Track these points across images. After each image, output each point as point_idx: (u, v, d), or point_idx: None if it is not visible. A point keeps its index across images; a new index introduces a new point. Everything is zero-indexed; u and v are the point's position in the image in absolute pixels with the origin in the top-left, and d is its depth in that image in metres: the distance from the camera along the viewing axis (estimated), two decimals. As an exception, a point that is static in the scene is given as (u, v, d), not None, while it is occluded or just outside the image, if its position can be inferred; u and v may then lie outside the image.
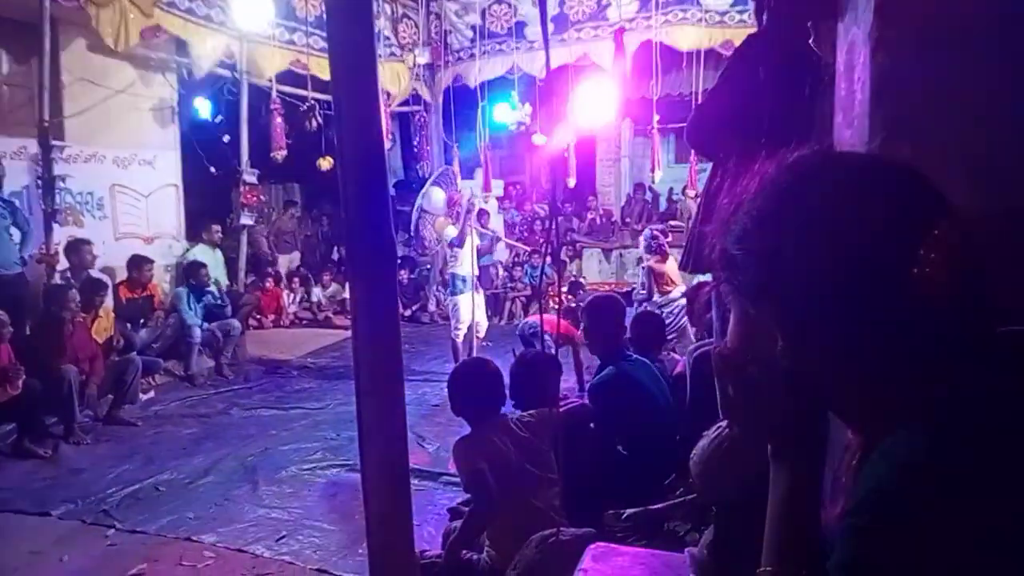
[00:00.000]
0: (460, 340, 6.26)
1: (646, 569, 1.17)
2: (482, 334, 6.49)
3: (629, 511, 1.31)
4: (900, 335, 0.61)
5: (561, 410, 2.94)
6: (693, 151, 3.24)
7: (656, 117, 7.87)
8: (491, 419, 2.60)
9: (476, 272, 6.25)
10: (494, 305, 9.06)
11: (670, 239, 6.96)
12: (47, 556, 3.37)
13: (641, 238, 6.86)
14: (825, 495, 0.74)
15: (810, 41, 2.00)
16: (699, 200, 2.44)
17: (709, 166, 2.54)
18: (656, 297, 6.37)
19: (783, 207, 0.64)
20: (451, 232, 6.23)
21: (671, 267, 6.38)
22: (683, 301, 5.65)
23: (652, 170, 8.12)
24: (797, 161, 0.67)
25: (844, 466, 0.71)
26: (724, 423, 1.13)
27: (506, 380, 2.88)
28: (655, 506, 1.26)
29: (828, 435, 0.79)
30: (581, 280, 7.78)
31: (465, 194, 7.08)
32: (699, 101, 7.26)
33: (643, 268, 6.69)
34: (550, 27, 8.30)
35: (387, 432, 1.54)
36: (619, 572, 1.16)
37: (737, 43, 7.72)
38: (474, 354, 6.32)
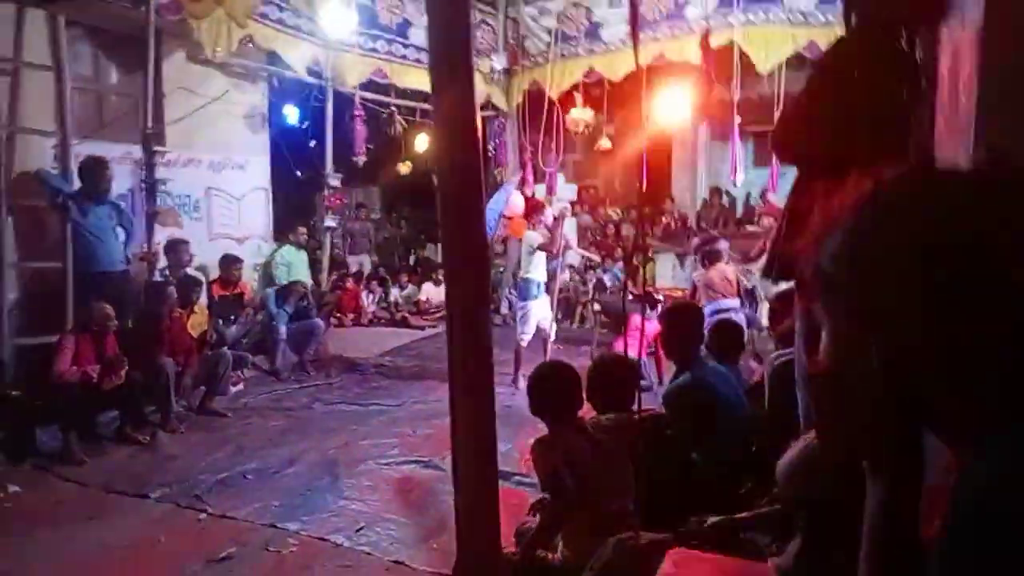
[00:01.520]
0: (524, 346, 6.28)
1: None
2: (552, 337, 6.51)
3: (713, 518, 1.31)
4: (994, 356, 0.61)
5: (640, 416, 2.94)
6: (775, 155, 3.16)
7: (737, 119, 7.69)
8: (568, 421, 2.63)
9: (546, 278, 6.30)
10: (565, 308, 9.06)
11: (725, 245, 6.63)
12: (144, 536, 3.59)
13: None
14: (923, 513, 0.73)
15: (903, 44, 1.94)
16: (785, 208, 2.39)
17: (793, 170, 2.49)
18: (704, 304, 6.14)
19: (880, 229, 0.64)
20: (533, 238, 6.25)
21: (716, 274, 6.15)
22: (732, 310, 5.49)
23: (732, 174, 7.94)
24: (896, 181, 0.67)
25: (943, 486, 0.71)
26: (811, 434, 1.12)
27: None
28: (739, 515, 1.25)
29: (924, 453, 0.78)
30: (653, 293, 7.59)
31: (555, 203, 7.06)
32: (782, 104, 7.10)
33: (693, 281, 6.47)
34: (626, 28, 8.26)
35: (478, 431, 1.59)
36: (700, 577, 1.17)
37: (821, 44, 7.45)
38: (547, 356, 6.36)
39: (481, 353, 2.03)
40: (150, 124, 6.02)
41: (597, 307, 7.97)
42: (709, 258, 6.22)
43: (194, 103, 6.88)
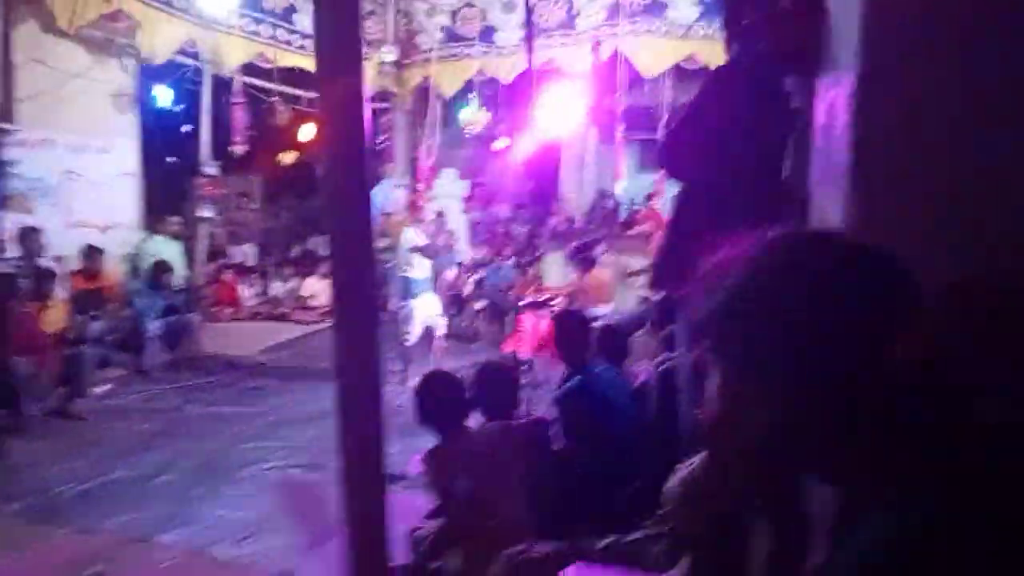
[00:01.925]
0: (409, 345, 6.25)
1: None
2: (440, 334, 6.50)
3: (605, 541, 1.37)
4: (880, 412, 0.67)
5: (521, 422, 3.00)
6: (664, 170, 3.33)
7: (621, 126, 8.00)
8: (457, 430, 2.64)
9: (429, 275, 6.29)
10: (459, 304, 9.07)
11: (600, 251, 6.81)
12: (-4, 556, 3.29)
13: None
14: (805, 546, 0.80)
15: (780, 83, 2.09)
16: (668, 222, 2.53)
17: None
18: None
19: (769, 287, 0.69)
20: (412, 237, 6.20)
21: (592, 281, 6.21)
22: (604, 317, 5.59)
23: (615, 178, 8.26)
24: (783, 241, 0.73)
25: (827, 524, 0.77)
26: (695, 460, 1.20)
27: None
28: (630, 537, 1.32)
29: (802, 495, 0.85)
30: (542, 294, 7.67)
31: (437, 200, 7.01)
32: (666, 116, 7.45)
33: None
34: (519, 33, 8.40)
35: (363, 432, 1.56)
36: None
37: (702, 56, 7.82)
38: (434, 355, 6.35)
39: (368, 352, 2.00)
40: (-3, 98, 5.46)
41: (479, 305, 8.02)
42: (583, 265, 6.33)
43: (51, 78, 6.29)
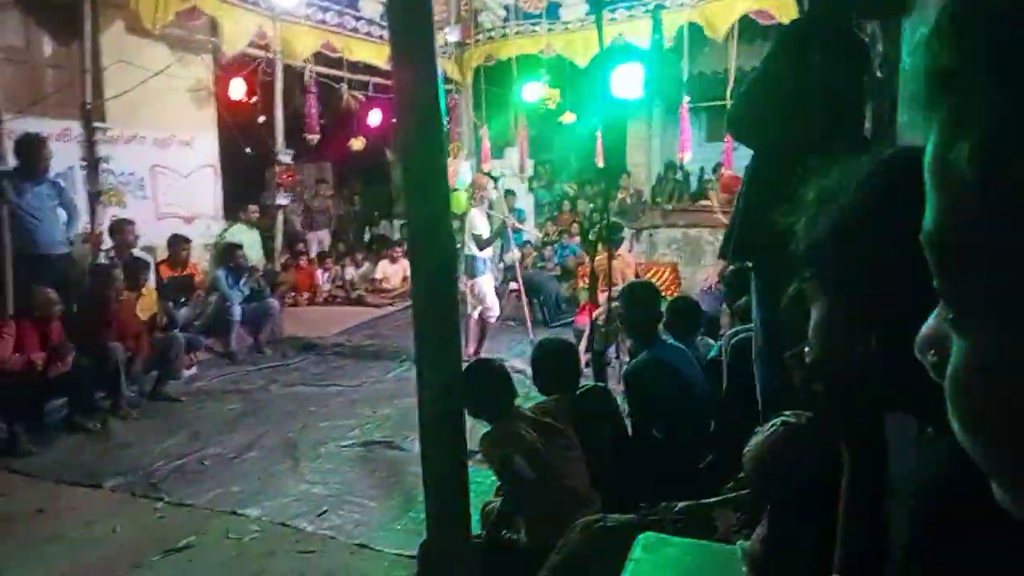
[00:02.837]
0: (492, 321, 6.31)
1: (697, 560, 1.21)
2: (494, 313, 6.48)
3: (681, 504, 1.35)
4: None
5: (583, 391, 2.99)
6: (732, 137, 3.21)
7: (686, 96, 7.76)
8: (507, 414, 2.65)
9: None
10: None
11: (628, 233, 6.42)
12: (100, 526, 3.52)
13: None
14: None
15: (857, 32, 1.97)
16: (742, 189, 2.43)
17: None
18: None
19: (883, 204, 0.64)
20: (478, 222, 6.18)
21: (618, 264, 5.85)
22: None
23: (682, 150, 8.04)
24: (896, 158, 0.67)
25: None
26: (777, 421, 1.16)
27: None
28: (706, 500, 1.29)
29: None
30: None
31: (489, 186, 6.88)
32: (734, 83, 7.17)
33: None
34: (586, 8, 8.26)
35: (446, 409, 1.60)
36: (670, 563, 1.20)
37: (772, 11, 7.45)
38: (481, 336, 6.35)
39: (448, 329, 2.04)
40: (89, 99, 5.76)
41: (514, 286, 7.80)
42: (614, 244, 5.84)
43: (136, 76, 6.58)
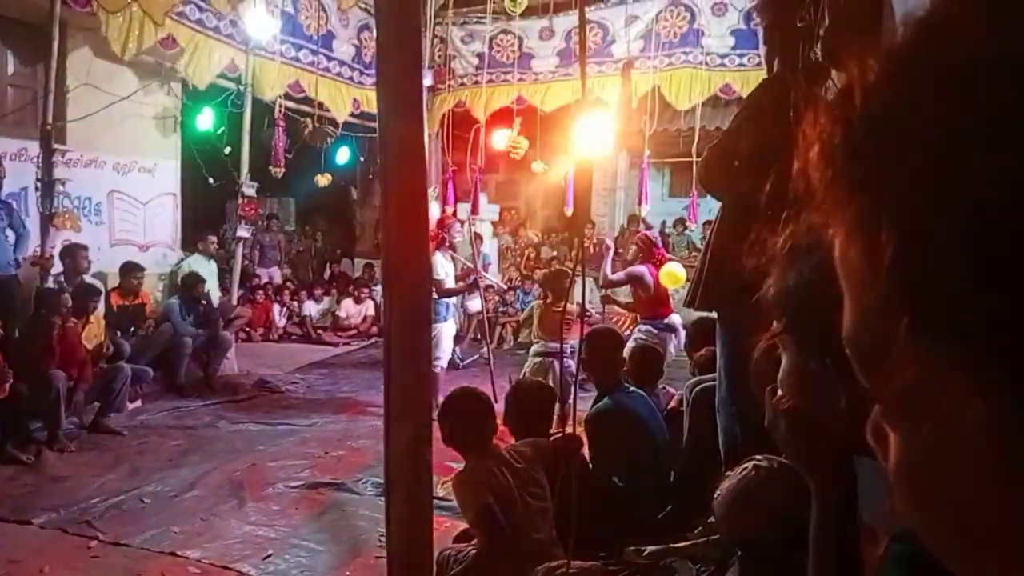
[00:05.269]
0: (439, 371, 6.05)
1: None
2: (440, 367, 6.07)
3: (650, 548, 1.32)
4: None
5: (552, 439, 2.96)
6: (702, 187, 3.30)
7: (647, 152, 8.00)
8: (485, 450, 2.60)
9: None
10: (489, 329, 9.07)
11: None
12: (27, 566, 3.32)
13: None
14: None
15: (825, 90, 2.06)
16: (709, 241, 2.48)
17: (714, 203, 2.60)
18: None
19: None
20: (440, 268, 5.88)
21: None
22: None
23: (639, 203, 8.23)
24: None
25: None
26: (748, 465, 1.16)
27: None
28: (676, 545, 1.27)
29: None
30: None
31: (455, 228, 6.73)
32: (700, 140, 7.43)
33: None
34: (556, 60, 8.50)
35: (415, 456, 1.56)
36: (638, 608, 1.18)
37: (736, 86, 7.78)
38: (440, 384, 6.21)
39: (420, 372, 2.01)
40: (50, 120, 5.64)
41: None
42: (554, 293, 5.48)
43: (100, 101, 6.49)
